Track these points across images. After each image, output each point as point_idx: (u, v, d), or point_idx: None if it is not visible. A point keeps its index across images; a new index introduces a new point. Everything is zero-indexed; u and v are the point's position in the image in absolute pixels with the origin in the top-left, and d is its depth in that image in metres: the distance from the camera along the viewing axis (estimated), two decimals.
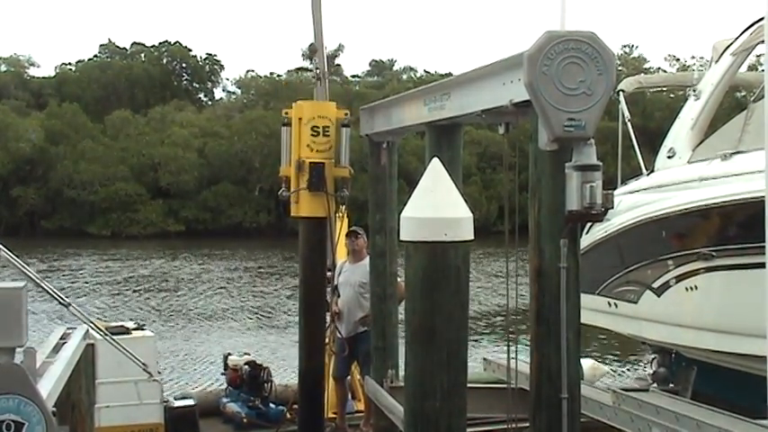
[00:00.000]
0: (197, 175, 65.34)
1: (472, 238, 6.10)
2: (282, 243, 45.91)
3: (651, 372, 10.85)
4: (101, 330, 10.85)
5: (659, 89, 16.76)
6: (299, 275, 11.87)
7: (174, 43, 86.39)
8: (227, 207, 64.70)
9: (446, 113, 8.37)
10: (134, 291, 33.94)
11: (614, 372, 14.99)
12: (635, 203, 9.73)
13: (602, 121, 6.12)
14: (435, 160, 6.40)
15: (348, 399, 12.36)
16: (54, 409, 6.46)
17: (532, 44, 6.00)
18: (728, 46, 9.81)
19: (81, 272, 40.10)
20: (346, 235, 11.77)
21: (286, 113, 11.60)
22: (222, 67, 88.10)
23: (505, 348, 7.32)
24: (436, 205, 6.06)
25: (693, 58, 67.20)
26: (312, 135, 11.12)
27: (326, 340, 11.69)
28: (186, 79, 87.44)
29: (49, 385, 6.84)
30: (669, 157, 10.05)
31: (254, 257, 46.11)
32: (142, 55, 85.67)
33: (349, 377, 12.21)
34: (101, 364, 9.90)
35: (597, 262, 9.87)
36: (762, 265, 6.80)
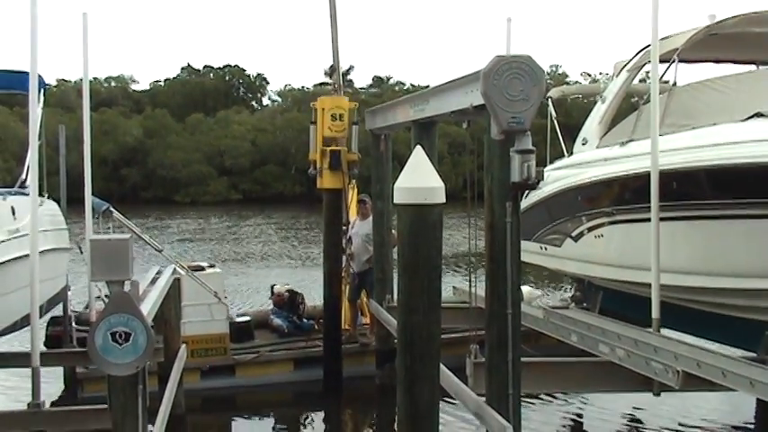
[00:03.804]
0: (251, 158, 65.02)
1: (444, 201, 6.08)
2: (311, 207, 45.71)
3: (570, 295, 10.89)
4: (184, 268, 10.91)
5: (576, 96, 16.63)
6: (323, 229, 11.88)
7: (234, 66, 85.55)
8: (272, 181, 64.30)
9: (426, 114, 8.34)
10: (208, 240, 33.91)
11: (546, 295, 14.97)
12: (559, 177, 9.71)
13: (535, 119, 6.09)
14: (418, 147, 6.37)
15: (358, 315, 12.42)
16: (152, 323, 6.50)
17: (487, 64, 5.96)
18: (625, 65, 9.75)
19: (170, 227, 40.06)
20: (357, 201, 11.79)
21: (313, 105, 11.63)
22: (268, 83, 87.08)
23: (468, 279, 7.34)
24: (419, 178, 6.03)
25: (601, 73, 66.17)
26: (331, 120, 11.20)
27: (343, 274, 11.74)
28: (243, 91, 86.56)
29: (148, 307, 6.87)
30: (583, 144, 10.02)
31: (291, 217, 45.96)
32: (211, 74, 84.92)
33: (359, 300, 12.26)
34: (184, 292, 9.97)
35: (533, 218, 9.87)
36: (648, 220, 6.83)
